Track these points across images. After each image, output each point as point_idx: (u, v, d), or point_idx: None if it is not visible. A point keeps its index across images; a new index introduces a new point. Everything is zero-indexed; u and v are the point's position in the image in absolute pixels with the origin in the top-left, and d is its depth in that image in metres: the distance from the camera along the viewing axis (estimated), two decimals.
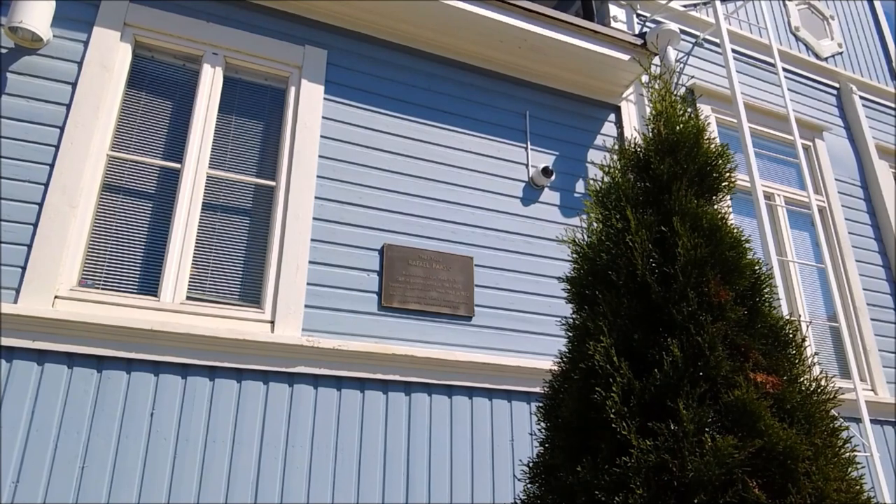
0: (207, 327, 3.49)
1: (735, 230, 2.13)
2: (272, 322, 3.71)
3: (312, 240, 3.95)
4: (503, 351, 4.18)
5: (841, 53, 6.90)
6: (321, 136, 4.20)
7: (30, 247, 3.37)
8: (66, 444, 3.12)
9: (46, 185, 3.50)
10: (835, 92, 6.64)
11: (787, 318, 2.14)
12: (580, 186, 4.89)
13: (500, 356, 4.11)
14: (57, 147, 3.58)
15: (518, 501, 2.07)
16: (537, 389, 4.08)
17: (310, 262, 3.90)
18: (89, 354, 3.28)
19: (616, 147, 2.36)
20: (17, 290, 3.30)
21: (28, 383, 3.15)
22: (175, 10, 4.09)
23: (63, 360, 3.24)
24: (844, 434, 1.94)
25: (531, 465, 2.10)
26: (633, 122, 5.24)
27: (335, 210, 4.09)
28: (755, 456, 1.77)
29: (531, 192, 4.72)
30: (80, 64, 3.77)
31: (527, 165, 4.77)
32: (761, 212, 4.47)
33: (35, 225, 3.42)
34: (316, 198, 4.05)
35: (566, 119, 5.07)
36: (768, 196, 5.62)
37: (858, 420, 4.29)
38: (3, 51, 3.64)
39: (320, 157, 4.15)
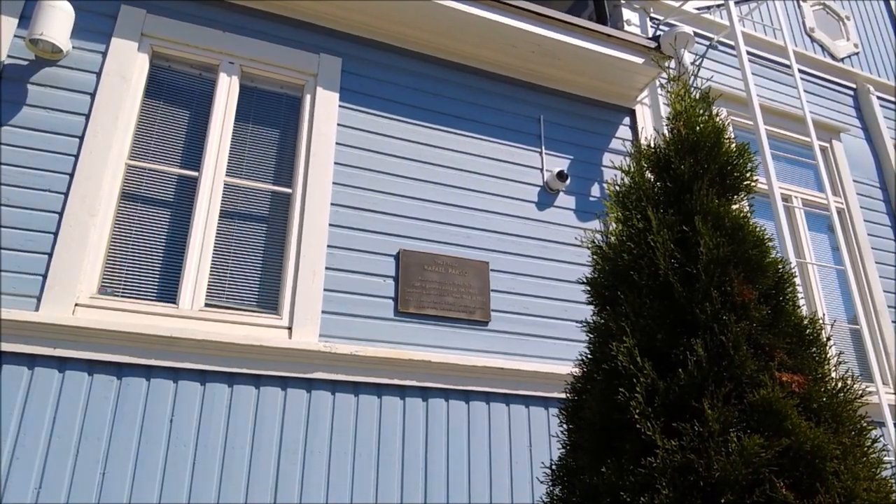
0: (226, 334, 3.51)
1: (757, 229, 2.11)
2: (290, 328, 3.72)
3: (329, 246, 3.96)
4: (520, 356, 4.16)
5: (857, 54, 6.85)
6: (336, 143, 4.22)
7: (50, 255, 3.41)
8: (87, 450, 3.14)
9: (66, 194, 3.53)
10: (851, 93, 6.59)
11: (811, 317, 2.12)
12: (596, 190, 4.88)
13: (516, 361, 4.10)
14: (76, 156, 3.62)
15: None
16: (555, 394, 4.05)
17: (326, 269, 3.91)
18: (109, 361, 3.30)
19: (634, 148, 2.35)
20: (39, 298, 3.33)
21: (49, 390, 3.17)
22: (191, 21, 4.13)
23: (84, 367, 3.26)
24: (872, 434, 1.91)
25: (554, 467, 2.08)
26: (648, 125, 5.22)
27: (351, 216, 4.10)
28: (782, 455, 1.74)
29: (546, 197, 4.71)
30: (98, 74, 3.82)
31: (541, 170, 4.76)
32: (779, 214, 4.43)
33: (55, 233, 3.45)
34: (332, 204, 4.06)
35: (580, 123, 5.06)
36: (786, 198, 5.58)
37: (882, 424, 4.22)
38: (24, 62, 3.69)
39: (336, 163, 4.17)
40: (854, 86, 6.62)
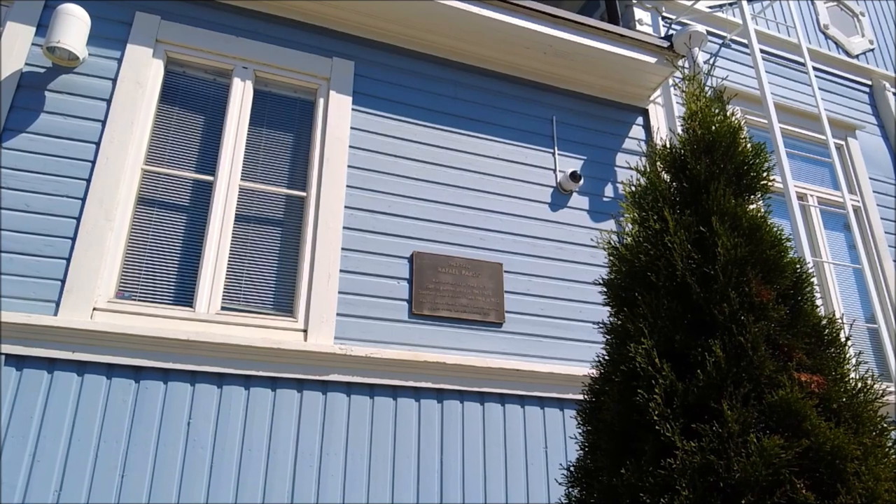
0: (242, 337, 3.53)
1: (775, 229, 2.10)
2: (305, 331, 3.74)
3: (343, 249, 3.98)
4: (534, 357, 4.16)
5: (872, 50, 6.79)
6: (350, 147, 4.23)
7: (68, 260, 3.44)
8: (107, 452, 3.17)
9: (84, 199, 3.57)
10: (867, 89, 6.53)
11: (830, 316, 2.11)
12: (609, 190, 4.87)
13: (531, 362, 4.09)
14: (93, 162, 3.66)
15: None
16: (570, 396, 4.05)
17: (341, 271, 3.92)
18: (127, 365, 3.33)
19: (649, 149, 2.35)
20: (57, 303, 3.36)
21: (69, 393, 3.20)
22: (205, 26, 4.16)
23: (102, 371, 3.30)
24: (893, 434, 1.90)
25: (572, 468, 2.08)
26: (661, 124, 5.20)
27: (365, 219, 4.11)
28: (802, 456, 1.74)
29: (559, 198, 4.70)
30: (114, 81, 3.85)
31: (554, 171, 4.76)
32: (794, 213, 4.40)
33: (73, 239, 3.49)
34: (346, 207, 4.08)
35: (593, 123, 5.05)
36: (801, 197, 5.54)
37: None
38: (42, 70, 3.73)
39: (349, 167, 4.19)
40: (869, 82, 6.57)
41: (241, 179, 4.01)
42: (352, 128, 4.29)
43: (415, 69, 4.65)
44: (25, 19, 3.77)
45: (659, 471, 1.76)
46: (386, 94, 4.49)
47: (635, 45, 4.95)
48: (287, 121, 4.30)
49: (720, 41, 5.87)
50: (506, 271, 4.32)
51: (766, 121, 4.76)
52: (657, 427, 1.80)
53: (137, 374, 3.35)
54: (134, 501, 3.13)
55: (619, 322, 2.10)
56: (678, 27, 5.57)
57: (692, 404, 1.84)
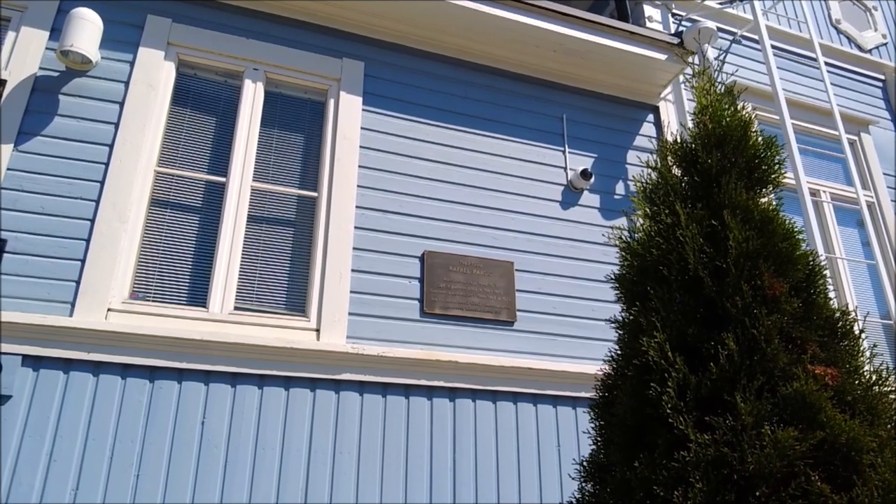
0: (255, 336, 3.55)
1: (787, 222, 2.09)
2: (318, 330, 3.76)
3: (354, 248, 3.99)
4: (546, 356, 4.15)
5: (885, 44, 6.73)
6: (361, 147, 4.25)
7: (83, 261, 3.48)
8: (122, 452, 3.19)
9: (97, 201, 3.61)
10: (880, 84, 6.47)
11: (843, 309, 2.09)
12: (620, 188, 4.86)
13: (543, 361, 4.09)
14: (107, 164, 3.69)
15: (574, 500, 2.06)
16: (583, 394, 4.04)
17: (352, 271, 3.94)
18: (142, 365, 3.36)
19: (660, 144, 2.35)
20: (73, 304, 3.40)
21: (85, 394, 3.23)
22: (216, 28, 4.20)
23: (117, 371, 3.33)
24: None
25: (585, 463, 2.08)
26: (672, 121, 5.18)
27: (376, 219, 4.12)
28: (817, 448, 1.73)
29: (570, 196, 4.70)
30: (126, 84, 3.89)
31: (565, 169, 4.75)
32: (807, 209, 4.37)
33: (87, 240, 3.52)
34: (357, 207, 4.09)
35: (604, 121, 5.04)
36: (814, 193, 5.50)
37: None
38: (55, 73, 3.77)
39: (360, 167, 4.20)
40: (882, 77, 6.51)
41: (253, 180, 4.03)
42: (362, 128, 4.30)
43: (425, 69, 4.66)
44: (39, 23, 3.82)
45: (672, 464, 1.75)
46: (396, 94, 4.50)
47: (645, 42, 4.94)
48: (298, 122, 4.32)
49: (731, 37, 5.84)
50: (517, 270, 4.32)
51: (777, 117, 4.74)
52: (670, 420, 1.80)
53: (152, 374, 3.37)
54: (149, 501, 3.15)
55: (632, 316, 2.10)
56: (688, 24, 5.54)
57: (705, 397, 1.84)
